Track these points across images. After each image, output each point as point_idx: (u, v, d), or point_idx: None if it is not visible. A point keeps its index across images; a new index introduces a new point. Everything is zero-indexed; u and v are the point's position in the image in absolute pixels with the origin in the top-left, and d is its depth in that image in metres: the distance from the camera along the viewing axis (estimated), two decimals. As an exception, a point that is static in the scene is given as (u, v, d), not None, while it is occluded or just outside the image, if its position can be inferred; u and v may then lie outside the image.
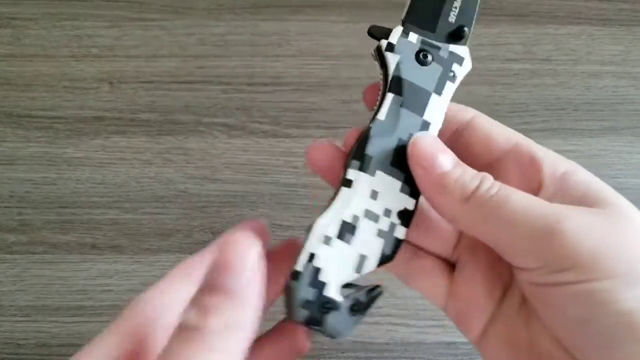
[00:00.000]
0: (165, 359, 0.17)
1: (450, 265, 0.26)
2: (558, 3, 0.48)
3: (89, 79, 0.44)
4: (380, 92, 0.24)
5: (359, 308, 0.22)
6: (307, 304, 0.21)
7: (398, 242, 0.23)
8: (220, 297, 0.18)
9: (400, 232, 0.23)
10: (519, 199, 0.21)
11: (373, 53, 0.25)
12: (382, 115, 0.23)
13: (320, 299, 0.22)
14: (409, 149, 0.22)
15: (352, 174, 0.23)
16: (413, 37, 0.24)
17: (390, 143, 0.23)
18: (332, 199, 0.23)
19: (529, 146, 0.24)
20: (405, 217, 0.23)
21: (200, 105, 0.43)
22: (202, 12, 0.47)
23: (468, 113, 0.25)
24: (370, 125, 0.23)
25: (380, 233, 0.22)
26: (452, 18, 0.25)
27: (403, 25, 0.25)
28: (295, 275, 0.22)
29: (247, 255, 0.18)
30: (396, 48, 0.24)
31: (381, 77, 0.24)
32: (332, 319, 0.22)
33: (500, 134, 0.25)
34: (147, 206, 0.41)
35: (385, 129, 0.23)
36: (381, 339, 0.37)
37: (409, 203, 0.23)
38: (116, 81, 0.44)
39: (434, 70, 0.24)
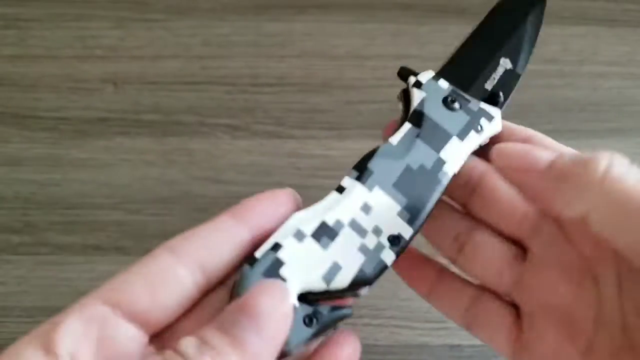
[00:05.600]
0: None
1: (520, 248, 0.22)
2: (564, 3, 0.48)
3: (93, 79, 0.44)
4: (402, 113, 0.23)
5: (317, 322, 0.19)
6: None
7: (383, 266, 0.20)
8: (229, 344, 0.16)
9: (389, 257, 0.20)
10: None
11: (399, 95, 0.23)
12: (394, 139, 0.22)
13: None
14: (495, 159, 0.19)
15: (347, 181, 0.21)
16: (444, 83, 0.23)
17: (398, 166, 0.21)
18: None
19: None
20: (397, 243, 0.21)
21: (204, 106, 0.43)
22: (206, 13, 0.46)
23: (476, 170, 0.22)
24: (379, 145, 0.22)
25: (364, 249, 0.20)
26: (488, 85, 0.24)
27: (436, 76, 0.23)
28: (252, 260, 0.19)
29: (275, 309, 0.16)
30: (424, 86, 0.23)
31: (401, 116, 0.23)
32: None
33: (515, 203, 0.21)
34: (151, 207, 0.41)
35: (395, 153, 0.22)
36: (384, 341, 0.37)
37: (405, 230, 0.21)
38: (120, 82, 0.44)
39: (460, 117, 0.22)
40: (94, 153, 0.42)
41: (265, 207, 0.20)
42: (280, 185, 0.41)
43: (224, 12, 0.47)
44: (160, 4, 0.47)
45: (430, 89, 0.23)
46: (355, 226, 0.20)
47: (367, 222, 0.21)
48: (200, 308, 0.19)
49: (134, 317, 0.18)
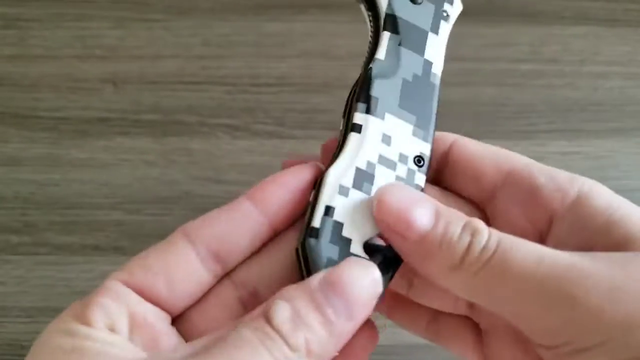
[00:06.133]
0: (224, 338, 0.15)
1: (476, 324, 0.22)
2: (564, 3, 0.48)
3: (93, 79, 0.44)
4: (371, 35, 0.22)
5: (386, 267, 0.19)
6: (331, 264, 0.18)
7: (420, 190, 0.20)
8: (321, 322, 0.16)
9: (421, 180, 0.21)
10: (524, 256, 0.16)
11: None
12: (381, 54, 0.21)
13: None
14: (375, 210, 0.18)
15: (359, 117, 0.20)
16: None
17: (395, 84, 0.21)
18: (338, 148, 0.21)
19: (526, 171, 0.20)
20: (422, 163, 0.21)
21: (204, 106, 0.43)
22: (206, 13, 0.46)
23: (445, 140, 0.22)
24: (371, 66, 0.21)
25: (399, 180, 0.20)
26: None
27: None
28: (314, 232, 0.19)
29: (367, 293, 0.16)
30: None
31: (370, 24, 0.22)
32: None
33: (487, 162, 0.20)
34: (150, 207, 0.41)
35: (387, 69, 0.21)
36: (386, 341, 0.36)
37: (424, 148, 0.21)
38: (120, 82, 0.44)
39: (426, 9, 0.22)
40: (93, 153, 0.42)
41: (283, 190, 0.20)
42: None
43: (224, 12, 0.47)
44: (160, 4, 0.46)
45: None
46: (384, 161, 0.20)
47: (392, 153, 0.20)
48: (214, 295, 0.19)
49: (155, 302, 0.18)
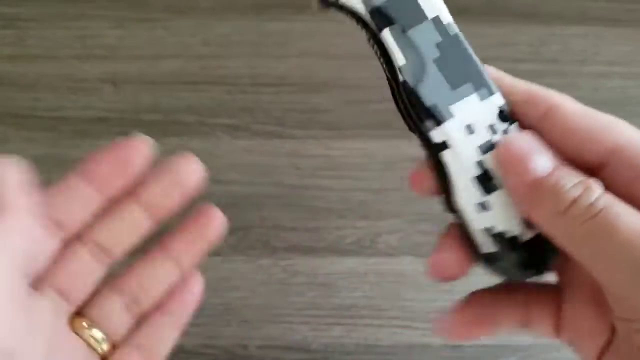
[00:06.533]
0: None
1: (555, 288, 0.22)
2: (565, 3, 0.48)
3: (92, 79, 0.44)
4: (370, 42, 0.21)
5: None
6: (528, 268, 0.20)
7: None
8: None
9: (517, 130, 0.20)
10: (630, 224, 0.17)
11: (316, 5, 0.22)
12: (399, 59, 0.20)
13: (531, 255, 0.19)
14: (499, 155, 0.19)
15: (436, 135, 0.19)
16: None
17: (433, 73, 0.20)
18: (439, 173, 0.20)
19: (631, 149, 0.19)
20: (506, 115, 0.20)
21: (204, 106, 0.43)
22: (206, 13, 0.46)
23: (537, 105, 0.21)
24: (403, 79, 0.20)
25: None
26: None
27: None
28: (494, 257, 0.19)
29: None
30: None
31: (365, 32, 0.21)
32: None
33: (587, 139, 0.20)
34: (150, 207, 0.41)
35: (417, 68, 0.20)
36: (386, 341, 0.36)
37: (497, 100, 0.20)
38: (120, 82, 0.44)
39: None
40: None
41: (115, 164, 0.23)
42: (280, 185, 0.41)
43: (223, 11, 0.46)
44: (160, 4, 0.46)
45: None
46: (485, 147, 0.20)
47: (483, 135, 0.20)
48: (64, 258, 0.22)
49: None
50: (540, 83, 0.48)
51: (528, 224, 0.20)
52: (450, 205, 0.20)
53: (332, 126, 0.43)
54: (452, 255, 0.21)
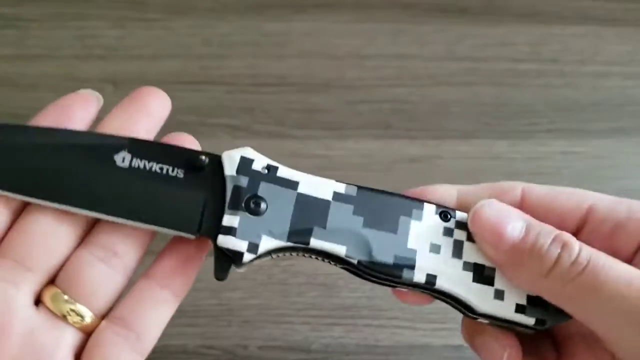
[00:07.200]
0: None
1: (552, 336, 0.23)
2: (564, 3, 0.48)
3: (92, 79, 0.44)
4: (296, 254, 0.21)
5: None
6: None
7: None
8: None
9: (461, 215, 0.21)
10: (616, 277, 0.17)
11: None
12: (340, 250, 0.20)
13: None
14: (470, 222, 0.20)
15: (418, 275, 0.20)
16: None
17: (374, 237, 0.21)
18: (446, 302, 0.21)
19: (605, 206, 0.20)
20: (446, 213, 0.21)
21: (204, 105, 0.43)
22: (205, 13, 0.46)
23: (513, 191, 0.21)
24: (356, 260, 0.20)
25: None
26: None
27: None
28: (541, 323, 0.20)
29: None
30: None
31: (280, 255, 0.21)
32: None
33: (566, 202, 0.21)
34: (150, 207, 0.41)
35: (358, 243, 0.20)
36: (386, 341, 0.36)
37: (430, 209, 0.21)
38: (120, 82, 0.44)
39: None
40: (93, 153, 0.42)
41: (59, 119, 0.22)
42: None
43: (223, 11, 0.46)
44: (160, 4, 0.46)
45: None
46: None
47: (446, 239, 0.21)
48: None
49: None
50: (540, 83, 0.48)
51: None
52: (474, 313, 0.21)
53: (332, 126, 0.43)
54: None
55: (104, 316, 0.20)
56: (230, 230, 0.20)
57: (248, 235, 0.20)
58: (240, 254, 0.19)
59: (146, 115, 0.23)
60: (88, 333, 0.20)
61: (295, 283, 0.37)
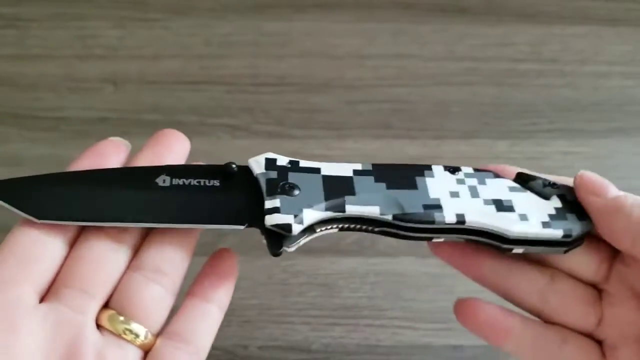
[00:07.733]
0: None
1: (596, 290, 0.25)
2: (564, 3, 0.48)
3: (93, 79, 0.44)
4: (334, 227, 0.24)
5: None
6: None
7: None
8: None
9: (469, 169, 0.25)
10: None
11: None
12: (374, 210, 0.23)
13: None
14: (578, 182, 0.23)
15: (448, 215, 0.23)
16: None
17: (399, 195, 0.23)
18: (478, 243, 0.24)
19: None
20: (451, 168, 0.24)
21: (204, 105, 0.43)
22: (206, 12, 0.46)
23: (604, 196, 0.24)
24: (391, 217, 0.23)
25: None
26: None
27: None
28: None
29: None
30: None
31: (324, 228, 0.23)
32: None
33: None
34: (151, 207, 0.41)
35: (389, 202, 0.23)
36: (387, 341, 0.36)
37: (439, 168, 0.24)
38: (120, 82, 0.44)
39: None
40: (93, 153, 0.42)
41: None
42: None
43: (224, 11, 0.46)
44: (160, 4, 0.46)
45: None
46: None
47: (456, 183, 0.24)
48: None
49: None
50: (540, 83, 0.48)
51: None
52: (507, 243, 0.23)
53: (332, 126, 0.43)
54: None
55: (157, 334, 0.22)
56: (274, 210, 0.22)
57: (292, 210, 0.22)
58: (289, 225, 0.21)
59: (170, 153, 0.26)
60: (145, 351, 0.22)
61: (295, 283, 0.37)
